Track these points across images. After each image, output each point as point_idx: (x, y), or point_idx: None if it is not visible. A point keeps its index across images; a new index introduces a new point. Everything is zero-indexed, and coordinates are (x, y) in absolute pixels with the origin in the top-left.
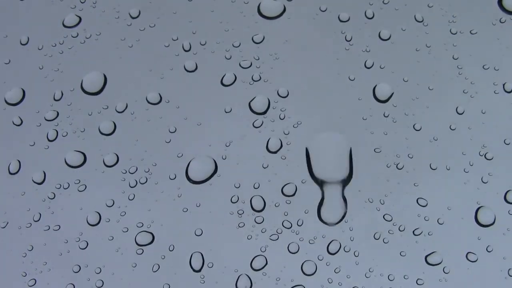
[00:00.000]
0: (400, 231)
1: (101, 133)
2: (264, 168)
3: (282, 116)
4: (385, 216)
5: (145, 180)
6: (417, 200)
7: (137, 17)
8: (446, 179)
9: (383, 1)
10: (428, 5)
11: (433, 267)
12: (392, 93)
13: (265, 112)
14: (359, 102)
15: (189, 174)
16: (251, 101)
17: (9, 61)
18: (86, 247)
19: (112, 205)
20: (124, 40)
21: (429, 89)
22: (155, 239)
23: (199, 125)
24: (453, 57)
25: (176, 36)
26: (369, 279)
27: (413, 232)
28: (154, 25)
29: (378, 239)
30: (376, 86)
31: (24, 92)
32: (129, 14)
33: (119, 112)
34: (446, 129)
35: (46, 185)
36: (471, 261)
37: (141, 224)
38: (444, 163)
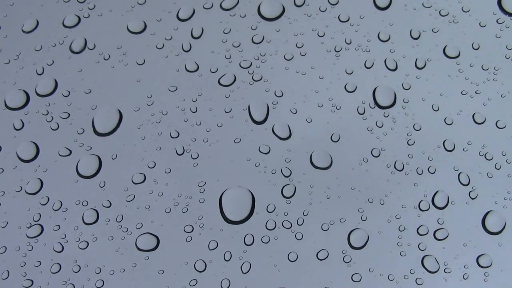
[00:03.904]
0: (400, 231)
1: (101, 134)
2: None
3: (282, 116)
4: (385, 216)
5: (146, 180)
6: (417, 200)
7: (136, 17)
8: (446, 179)
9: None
10: (424, 5)
11: (433, 267)
12: (395, 100)
13: (265, 114)
14: (359, 102)
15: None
16: (250, 103)
17: (9, 61)
18: (86, 247)
19: (112, 205)
20: (124, 40)
21: (429, 90)
22: (155, 240)
23: (199, 125)
24: (453, 57)
25: (176, 36)
26: (369, 279)
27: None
28: (154, 24)
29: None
30: (376, 89)
31: (27, 93)
32: (129, 14)
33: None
34: (446, 129)
35: (46, 185)
36: (470, 261)
37: (141, 225)
38: (444, 163)
